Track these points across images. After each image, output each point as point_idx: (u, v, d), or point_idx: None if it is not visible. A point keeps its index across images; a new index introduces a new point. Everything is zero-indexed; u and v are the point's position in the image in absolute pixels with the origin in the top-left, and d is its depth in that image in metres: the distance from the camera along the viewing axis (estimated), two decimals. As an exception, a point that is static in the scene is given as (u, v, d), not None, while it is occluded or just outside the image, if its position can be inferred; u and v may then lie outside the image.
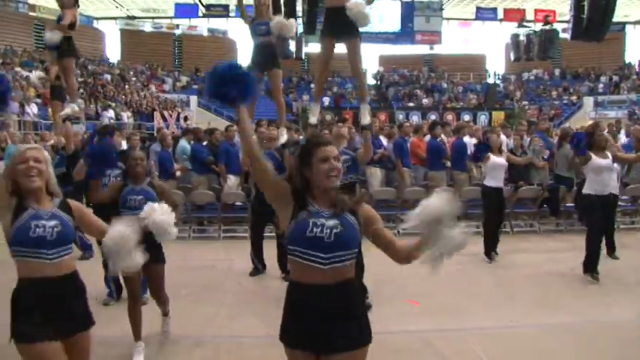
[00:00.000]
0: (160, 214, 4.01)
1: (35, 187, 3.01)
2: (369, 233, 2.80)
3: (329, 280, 2.63)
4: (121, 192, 4.86)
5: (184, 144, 10.72)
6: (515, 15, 36.97)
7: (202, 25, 44.33)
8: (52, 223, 3.01)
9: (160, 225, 3.94)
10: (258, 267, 7.39)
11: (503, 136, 10.55)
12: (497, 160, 8.09)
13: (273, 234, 7.43)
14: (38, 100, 21.96)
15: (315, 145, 2.76)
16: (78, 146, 8.38)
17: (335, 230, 2.63)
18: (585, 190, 7.09)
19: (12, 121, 18.89)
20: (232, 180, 9.78)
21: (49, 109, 17.82)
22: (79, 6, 8.10)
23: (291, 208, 2.71)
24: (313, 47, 33.19)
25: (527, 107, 36.10)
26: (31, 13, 35.89)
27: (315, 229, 2.62)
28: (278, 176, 2.89)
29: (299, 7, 22.37)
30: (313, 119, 6.25)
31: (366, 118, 6.00)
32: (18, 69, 26.80)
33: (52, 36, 7.59)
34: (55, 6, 8.11)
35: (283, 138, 7.19)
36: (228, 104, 2.73)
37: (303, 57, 34.20)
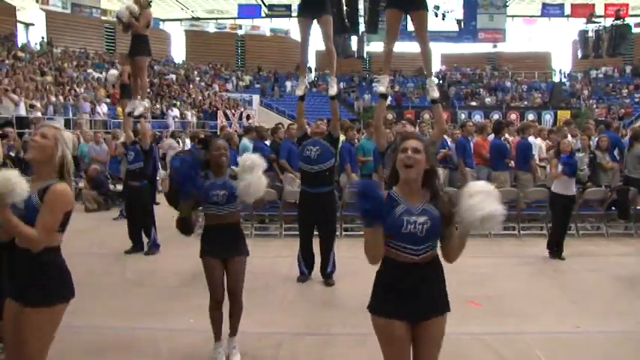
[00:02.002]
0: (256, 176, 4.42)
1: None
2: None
3: (420, 262, 2.96)
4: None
5: (246, 142, 10.90)
6: (584, 10, 35.82)
7: (265, 25, 44.91)
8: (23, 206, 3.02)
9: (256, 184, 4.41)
10: (305, 272, 7.09)
11: (569, 137, 10.30)
12: None
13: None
14: (108, 100, 22.85)
15: (402, 138, 3.07)
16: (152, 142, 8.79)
17: (425, 226, 2.92)
18: None
19: (84, 120, 19.73)
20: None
21: (118, 108, 18.57)
22: (150, 5, 8.40)
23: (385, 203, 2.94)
24: (375, 46, 33.15)
25: (594, 106, 34.94)
26: (103, 18, 37.34)
27: (409, 226, 2.92)
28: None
29: (360, 6, 22.37)
30: (381, 89, 6.04)
31: (434, 92, 5.88)
32: (90, 70, 28.00)
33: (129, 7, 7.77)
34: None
35: (333, 90, 6.92)
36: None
37: (365, 56, 34.17)
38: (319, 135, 7.00)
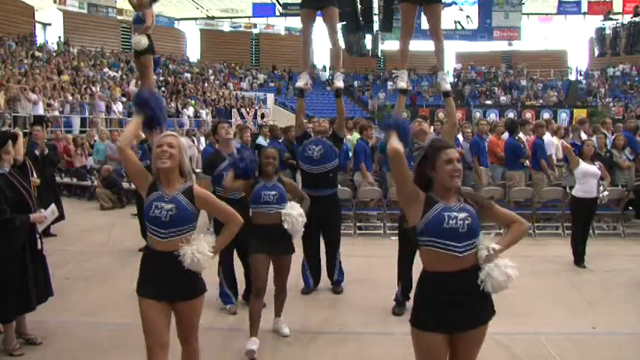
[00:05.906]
0: (297, 213, 4.83)
1: (165, 168, 3.44)
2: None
3: (465, 266, 2.94)
4: (252, 189, 4.98)
5: (262, 141, 10.93)
6: (601, 7, 35.34)
7: (279, 24, 45.02)
8: (169, 206, 3.40)
9: (296, 224, 4.86)
10: (310, 284, 6.65)
11: (584, 136, 10.23)
12: (589, 167, 7.61)
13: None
14: (123, 99, 23.04)
15: (439, 148, 3.07)
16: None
17: (467, 221, 2.94)
18: None
19: (100, 119, 19.92)
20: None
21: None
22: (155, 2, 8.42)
23: (423, 204, 3.00)
24: (389, 45, 33.08)
25: (611, 104, 34.57)
26: (119, 17, 37.61)
27: (450, 222, 2.92)
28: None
29: (375, 4, 22.35)
30: (402, 84, 5.84)
31: (446, 84, 5.77)
32: (106, 69, 28.25)
33: (141, 40, 7.90)
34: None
35: (339, 82, 6.54)
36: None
37: (379, 55, 34.08)
38: (322, 134, 6.60)
